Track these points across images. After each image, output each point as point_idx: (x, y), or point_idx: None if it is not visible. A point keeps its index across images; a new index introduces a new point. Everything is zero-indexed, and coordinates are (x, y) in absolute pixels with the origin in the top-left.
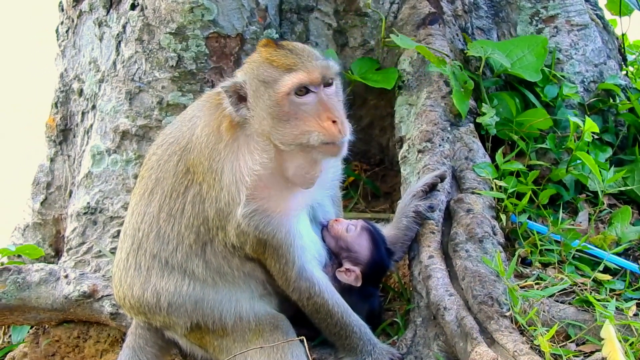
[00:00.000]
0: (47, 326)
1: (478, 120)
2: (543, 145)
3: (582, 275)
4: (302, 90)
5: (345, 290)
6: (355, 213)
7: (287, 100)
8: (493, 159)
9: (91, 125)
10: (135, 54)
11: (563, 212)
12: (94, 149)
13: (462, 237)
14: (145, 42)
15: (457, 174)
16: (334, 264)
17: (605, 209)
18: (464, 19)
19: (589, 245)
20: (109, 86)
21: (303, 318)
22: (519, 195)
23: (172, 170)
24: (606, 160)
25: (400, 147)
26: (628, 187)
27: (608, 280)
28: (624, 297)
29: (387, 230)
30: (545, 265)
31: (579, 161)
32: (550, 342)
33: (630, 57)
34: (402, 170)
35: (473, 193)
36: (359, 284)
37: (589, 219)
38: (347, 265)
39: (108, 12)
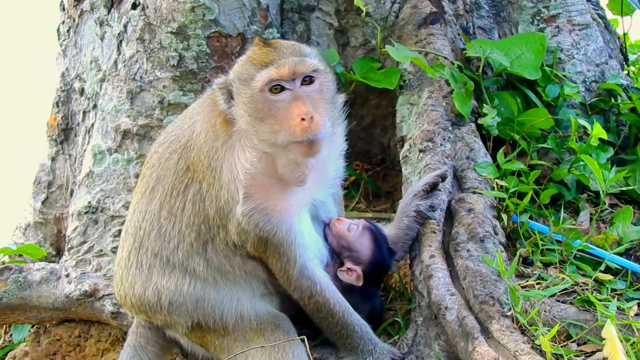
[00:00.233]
0: (48, 325)
1: (480, 121)
2: (544, 145)
3: (583, 275)
4: (277, 87)
5: (346, 290)
6: (357, 212)
7: (261, 97)
8: (494, 159)
9: (92, 125)
10: (137, 54)
11: (564, 212)
12: (95, 148)
13: (464, 237)
14: (147, 41)
15: (459, 173)
16: (336, 263)
17: (606, 209)
18: (466, 19)
19: (591, 245)
20: (110, 85)
21: (304, 317)
22: (520, 195)
23: (172, 169)
24: (608, 160)
25: (402, 146)
26: (629, 187)
27: (609, 280)
28: (625, 297)
29: (388, 230)
30: (546, 265)
31: (581, 162)
32: (552, 342)
33: (631, 57)
34: (403, 169)
35: (474, 193)
36: (360, 284)
37: (591, 219)
38: (348, 264)
39: (109, 11)
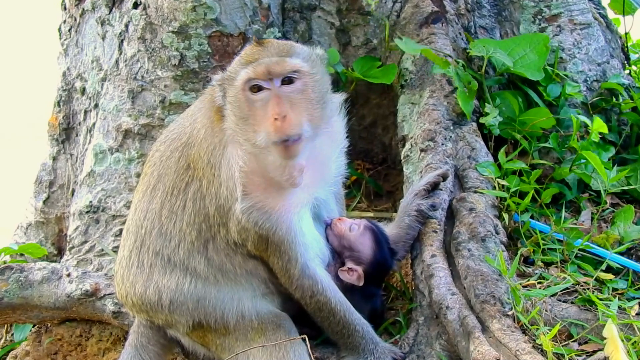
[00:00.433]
0: (49, 325)
1: (481, 120)
2: (546, 144)
3: (584, 275)
4: (256, 87)
5: (347, 290)
6: (358, 212)
7: (243, 96)
8: (496, 158)
9: (94, 124)
10: (138, 53)
11: (566, 211)
12: (96, 147)
13: (465, 236)
14: (148, 40)
15: (460, 172)
16: (337, 263)
17: (608, 208)
18: (467, 18)
19: (592, 245)
20: (112, 85)
21: (305, 317)
22: (522, 194)
23: (173, 167)
24: (609, 159)
25: (403, 146)
26: (631, 187)
27: (610, 280)
28: (627, 297)
29: (389, 229)
30: (547, 264)
31: (582, 160)
32: (553, 341)
33: (633, 56)
34: (404, 169)
35: (476, 192)
36: (361, 284)
37: (592, 218)
38: (349, 264)
39: (110, 10)
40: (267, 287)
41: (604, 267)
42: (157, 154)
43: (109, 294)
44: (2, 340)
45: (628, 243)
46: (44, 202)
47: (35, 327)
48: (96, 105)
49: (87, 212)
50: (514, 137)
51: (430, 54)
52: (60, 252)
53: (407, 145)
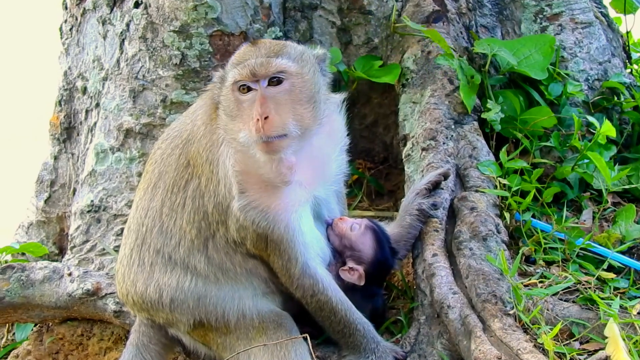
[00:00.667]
0: (50, 324)
1: (483, 115)
2: (547, 144)
3: (586, 274)
4: (244, 87)
5: (348, 289)
6: (359, 211)
7: (232, 96)
8: (497, 157)
9: (95, 123)
10: (139, 52)
11: (567, 210)
12: (97, 147)
13: (466, 235)
14: (149, 40)
15: (461, 172)
16: (338, 262)
17: (609, 207)
18: (468, 17)
19: (593, 244)
20: (113, 84)
21: (306, 316)
22: (523, 194)
23: (174, 164)
24: (610, 158)
25: (404, 145)
26: (632, 186)
27: (612, 279)
28: (628, 296)
29: (390, 229)
30: (549, 263)
31: (585, 160)
32: (554, 340)
33: (634, 55)
34: (405, 168)
35: (477, 191)
36: (362, 283)
37: (593, 217)
38: (350, 264)
39: (112, 10)
40: (267, 287)
41: (605, 266)
42: (158, 152)
43: (110, 293)
44: (4, 340)
45: (629, 242)
46: (46, 201)
47: (37, 326)
48: (97, 105)
49: (88, 211)
50: (515, 136)
51: (437, 36)
52: (62, 252)
53: (409, 144)
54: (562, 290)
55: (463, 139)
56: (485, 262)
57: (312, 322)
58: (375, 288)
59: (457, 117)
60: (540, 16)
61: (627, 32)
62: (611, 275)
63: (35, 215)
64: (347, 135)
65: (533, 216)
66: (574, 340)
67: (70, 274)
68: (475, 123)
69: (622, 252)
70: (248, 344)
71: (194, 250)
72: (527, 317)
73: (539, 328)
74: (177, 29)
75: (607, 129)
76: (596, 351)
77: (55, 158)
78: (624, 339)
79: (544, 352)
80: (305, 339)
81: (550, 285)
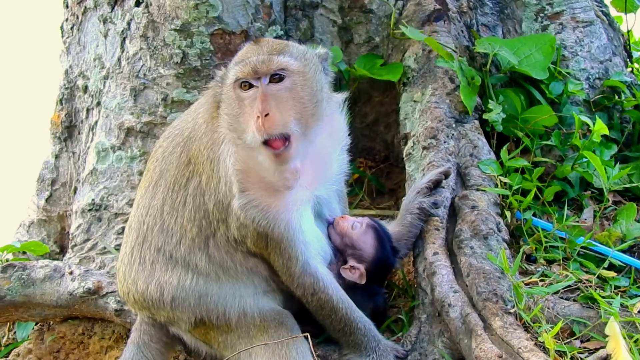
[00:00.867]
0: (51, 323)
1: (484, 116)
2: (548, 142)
3: (586, 272)
4: (246, 85)
5: (349, 288)
6: (360, 210)
7: (233, 94)
8: (498, 156)
9: (96, 122)
10: (140, 51)
11: (568, 209)
12: (98, 145)
13: (467, 234)
14: (150, 38)
15: (462, 170)
16: (339, 261)
17: (610, 206)
18: (469, 16)
19: (594, 242)
20: (114, 83)
21: (307, 315)
22: (524, 192)
23: (175, 162)
24: (611, 157)
25: (405, 143)
26: (633, 184)
27: (613, 277)
28: (629, 294)
29: (391, 227)
30: (550, 262)
31: (584, 159)
32: (555, 338)
33: (635, 54)
34: (406, 167)
35: (478, 190)
36: (363, 282)
37: (594, 216)
38: (351, 262)
39: (113, 8)
40: (268, 285)
41: (606, 264)
42: (159, 150)
43: (111, 292)
44: (5, 339)
45: (630, 241)
46: (47, 200)
47: (38, 325)
48: (98, 103)
49: (89, 210)
50: (516, 134)
51: (434, 44)
52: (63, 250)
53: (410, 143)
54: (563, 288)
55: (464, 137)
56: (486, 261)
57: (312, 320)
58: (376, 287)
59: (458, 116)
60: (541, 15)
61: (628, 31)
62: (612, 273)
63: (36, 214)
64: (348, 134)
65: (534, 215)
66: (575, 339)
67: (71, 273)
68: (476, 122)
69: (623, 251)
70: (249, 342)
71: (194, 249)
72: (528, 315)
73: (539, 326)
74: (178, 28)
75: (600, 127)
76: (597, 350)
77: (56, 157)
78: (624, 338)
79: (545, 350)
80: (306, 337)
81: (551, 283)
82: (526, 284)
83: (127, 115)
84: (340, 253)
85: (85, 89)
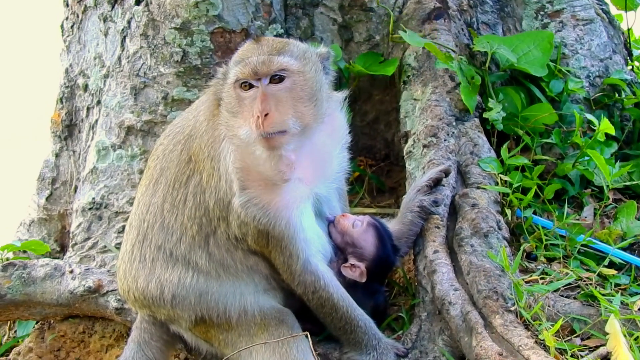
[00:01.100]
0: (52, 321)
1: (485, 115)
2: (548, 140)
3: (587, 270)
4: (246, 84)
5: (350, 286)
6: (361, 208)
7: (234, 93)
8: (498, 154)
9: (96, 121)
10: (140, 49)
11: (568, 207)
12: (99, 144)
13: (467, 232)
14: (150, 37)
15: (462, 168)
16: (340, 259)
17: (610, 204)
18: (470, 14)
19: (594, 240)
20: (114, 81)
21: (308, 313)
22: (524, 190)
23: (175, 160)
24: (612, 155)
25: (406, 142)
26: (633, 182)
27: (613, 275)
28: (629, 292)
29: (392, 225)
30: (550, 259)
31: (586, 157)
32: (555, 336)
33: (635, 52)
34: (407, 165)
35: (478, 188)
36: (363, 280)
37: (594, 214)
38: (352, 260)
39: (113, 7)
40: (268, 283)
41: (606, 262)
42: (160, 148)
43: (111, 291)
44: (6, 337)
45: (631, 238)
46: (47, 199)
47: (38, 323)
48: (99, 102)
49: (89, 208)
50: (516, 133)
51: (433, 48)
52: (63, 249)
53: (410, 141)
54: (563, 286)
55: (464, 135)
56: (486, 259)
57: (313, 318)
58: (377, 285)
59: (458, 114)
60: (542, 13)
61: (628, 29)
62: (612, 271)
63: (36, 212)
64: (349, 132)
65: (534, 213)
66: (575, 337)
67: (71, 272)
68: (477, 120)
69: (623, 249)
70: (250, 340)
71: (195, 247)
72: (529, 313)
73: (540, 324)
74: (178, 26)
75: (606, 126)
76: (597, 347)
77: (57, 155)
78: (625, 335)
79: (545, 348)
80: (306, 335)
81: (551, 281)
82: (526, 282)
83: (128, 113)
84: (341, 251)
85: (86, 87)
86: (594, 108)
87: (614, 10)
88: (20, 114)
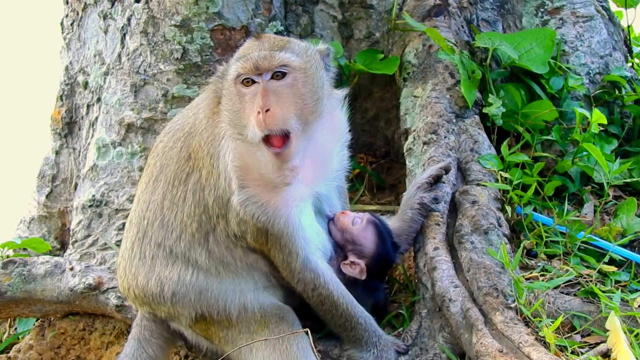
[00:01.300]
0: (52, 318)
1: (485, 110)
2: (548, 137)
3: (587, 267)
4: (248, 80)
5: (350, 283)
6: (361, 205)
7: (234, 89)
8: (498, 151)
9: (96, 118)
10: (140, 47)
11: (568, 204)
12: (99, 141)
13: (468, 229)
14: (150, 34)
15: (463, 165)
16: (339, 256)
17: (610, 201)
18: (469, 11)
19: (595, 237)
20: (114, 79)
21: (308, 310)
22: (525, 187)
23: (175, 157)
24: (612, 152)
25: (406, 139)
26: (633, 179)
27: (613, 272)
28: (629, 289)
29: (392, 222)
30: (550, 256)
31: (584, 153)
32: (556, 333)
33: (635, 49)
34: (407, 162)
35: (478, 185)
36: (363, 277)
37: (595, 211)
38: (352, 258)
39: (113, 4)
40: (268, 281)
41: (606, 259)
42: (160, 145)
43: (112, 288)
44: (6, 335)
45: (631, 235)
46: (47, 196)
47: (39, 321)
48: (99, 99)
49: (90, 206)
50: (516, 129)
51: (436, 35)
52: (64, 246)
53: (410, 138)
54: (564, 283)
55: (464, 132)
56: (486, 256)
57: (313, 316)
58: (377, 282)
59: (458, 111)
60: (542, 10)
61: (628, 26)
62: (612, 268)
63: (36, 210)
64: (349, 130)
65: (534, 210)
66: (575, 334)
67: (71, 269)
68: (477, 117)
69: (624, 246)
70: (250, 337)
71: (194, 244)
72: (529, 310)
73: (540, 321)
74: (178, 24)
75: (597, 117)
76: (597, 344)
77: (57, 153)
78: (625, 332)
79: (546, 345)
80: (307, 332)
81: (551, 278)
82: (527, 279)
83: (128, 111)
84: (341, 249)
85: (86, 85)
86: (594, 105)
87: (614, 7)
88: (20, 113)
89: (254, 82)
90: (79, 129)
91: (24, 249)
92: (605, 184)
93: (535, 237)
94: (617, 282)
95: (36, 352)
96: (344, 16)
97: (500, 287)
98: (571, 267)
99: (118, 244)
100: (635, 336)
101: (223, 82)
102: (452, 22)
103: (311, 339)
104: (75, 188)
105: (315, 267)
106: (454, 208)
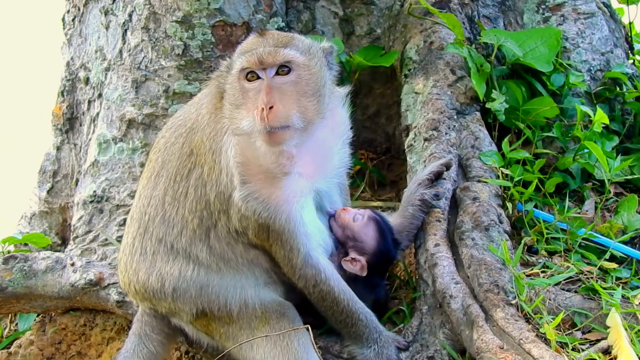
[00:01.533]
0: (53, 314)
1: (488, 105)
2: (549, 134)
3: (588, 264)
4: (253, 75)
5: (351, 280)
6: (362, 201)
7: (238, 84)
8: (499, 148)
9: (97, 114)
10: (142, 43)
11: (569, 201)
12: (100, 137)
13: (468, 226)
14: (152, 30)
15: (464, 162)
16: (340, 253)
17: (611, 198)
18: (471, 7)
19: (595, 234)
20: (115, 74)
21: (308, 306)
22: (525, 184)
23: (177, 153)
24: (613, 149)
25: (407, 135)
26: (634, 176)
27: (614, 269)
28: (630, 286)
29: (393, 219)
30: (551, 253)
31: (585, 150)
32: (556, 330)
33: (637, 46)
34: (408, 158)
35: (479, 181)
36: (364, 274)
37: (595, 208)
38: (353, 254)
39: (114, 0)
40: (269, 277)
41: (607, 256)
42: (162, 141)
43: (112, 283)
44: (7, 330)
45: (632, 232)
46: (48, 191)
47: (40, 316)
48: (100, 95)
49: (91, 201)
50: (517, 126)
51: (453, 20)
52: (64, 242)
53: (411, 135)
54: (564, 280)
55: (465, 129)
56: (487, 252)
57: (314, 312)
58: (378, 278)
59: (459, 108)
60: (543, 7)
61: (630, 23)
62: (613, 265)
63: (37, 205)
64: (350, 127)
65: (535, 206)
66: (576, 330)
67: (72, 264)
68: (478, 113)
69: (624, 242)
70: (251, 333)
71: (195, 240)
72: (529, 307)
73: (541, 318)
74: (179, 20)
75: (600, 116)
76: (598, 341)
77: (58, 148)
78: (625, 329)
79: (546, 341)
80: (307, 329)
81: (552, 275)
82: (527, 276)
83: (129, 107)
84: (342, 245)
85: (87, 80)
86: (595, 102)
87: (615, 4)
88: (20, 113)
89: (258, 77)
90: (80, 125)
91: (25, 244)
92: (606, 181)
93: (536, 233)
94: (617, 278)
95: (37, 347)
96: (345, 12)
97: (501, 283)
98: (572, 264)
99: (119, 239)
100: (636, 333)
101: (226, 77)
102: None
103: (312, 335)
104: (76, 184)
105: (316, 263)
106: (455, 204)
